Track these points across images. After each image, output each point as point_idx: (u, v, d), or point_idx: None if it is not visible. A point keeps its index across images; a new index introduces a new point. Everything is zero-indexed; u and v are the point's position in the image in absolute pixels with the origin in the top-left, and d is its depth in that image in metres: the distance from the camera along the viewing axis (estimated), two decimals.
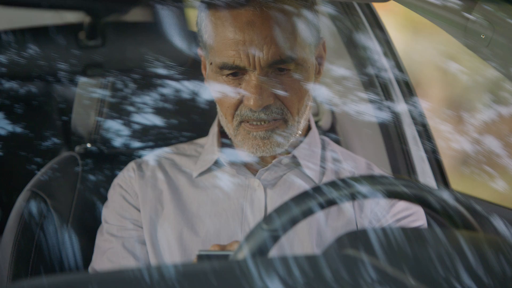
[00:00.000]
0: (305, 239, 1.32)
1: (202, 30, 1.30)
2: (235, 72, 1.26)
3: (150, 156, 1.43)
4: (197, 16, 1.33)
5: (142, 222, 1.36)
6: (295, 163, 1.37)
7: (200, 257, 1.05)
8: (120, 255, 1.34)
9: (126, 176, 1.40)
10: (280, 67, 1.26)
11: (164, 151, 1.44)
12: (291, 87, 1.27)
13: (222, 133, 1.39)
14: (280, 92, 1.26)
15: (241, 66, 1.25)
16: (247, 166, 1.37)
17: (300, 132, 1.33)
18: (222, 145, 1.39)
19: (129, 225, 1.36)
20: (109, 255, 1.36)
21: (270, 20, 1.24)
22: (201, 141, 1.45)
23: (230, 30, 1.24)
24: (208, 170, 1.38)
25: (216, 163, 1.38)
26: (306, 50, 1.28)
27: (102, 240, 1.38)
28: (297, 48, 1.26)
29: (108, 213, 1.39)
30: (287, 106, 1.28)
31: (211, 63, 1.29)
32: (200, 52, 1.35)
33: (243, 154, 1.35)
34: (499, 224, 0.91)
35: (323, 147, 1.43)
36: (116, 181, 1.42)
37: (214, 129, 1.41)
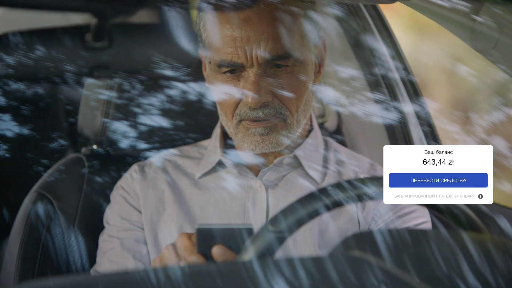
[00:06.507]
0: (307, 237, 1.32)
1: (201, 29, 1.31)
2: (233, 69, 1.26)
3: (153, 159, 1.44)
4: (196, 15, 1.33)
5: (143, 223, 1.37)
6: (297, 163, 1.37)
7: (200, 231, 1.04)
8: (119, 255, 1.35)
9: (128, 178, 1.41)
10: (278, 63, 1.25)
11: (167, 153, 1.45)
12: (290, 84, 1.27)
13: (225, 134, 1.39)
14: (279, 89, 1.26)
15: (239, 63, 1.25)
16: (249, 167, 1.37)
17: (300, 130, 1.33)
18: (225, 146, 1.39)
19: (129, 226, 1.37)
20: (109, 255, 1.36)
21: (267, 17, 1.24)
22: (204, 143, 1.45)
23: (227, 27, 1.25)
24: (211, 171, 1.38)
25: (219, 164, 1.38)
26: (305, 47, 1.28)
27: (102, 241, 1.39)
28: (295, 45, 1.26)
29: (110, 214, 1.40)
30: (285, 104, 1.28)
31: (209, 62, 1.29)
32: (201, 53, 1.35)
33: (246, 155, 1.35)
34: (504, 224, 0.90)
35: (326, 147, 1.42)
36: (119, 183, 1.42)
37: (216, 131, 1.41)
